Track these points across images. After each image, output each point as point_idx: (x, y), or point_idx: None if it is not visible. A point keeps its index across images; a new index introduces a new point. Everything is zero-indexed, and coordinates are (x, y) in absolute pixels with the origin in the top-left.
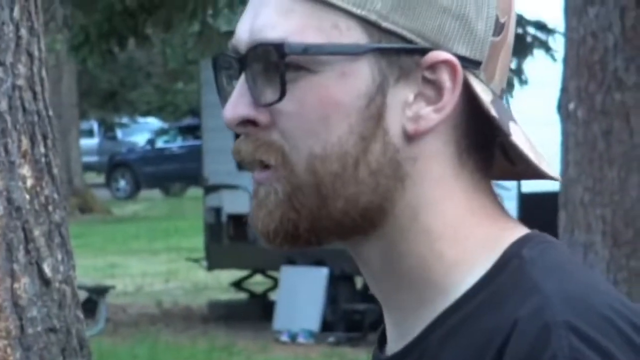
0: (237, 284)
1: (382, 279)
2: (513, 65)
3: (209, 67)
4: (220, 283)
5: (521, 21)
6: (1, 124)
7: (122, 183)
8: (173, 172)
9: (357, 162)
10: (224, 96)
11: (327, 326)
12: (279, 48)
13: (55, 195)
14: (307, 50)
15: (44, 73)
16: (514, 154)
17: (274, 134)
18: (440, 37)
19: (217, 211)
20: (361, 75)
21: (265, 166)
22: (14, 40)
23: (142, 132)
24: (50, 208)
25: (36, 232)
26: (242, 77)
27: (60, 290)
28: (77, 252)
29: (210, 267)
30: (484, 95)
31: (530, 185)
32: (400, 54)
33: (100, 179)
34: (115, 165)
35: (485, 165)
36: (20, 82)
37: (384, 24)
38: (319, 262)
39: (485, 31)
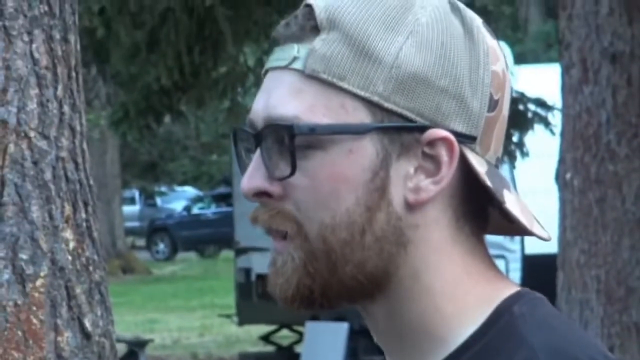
0: (266, 338)
1: (387, 332)
2: (515, 139)
3: None
4: (250, 337)
5: (523, 99)
6: (46, 192)
7: (161, 246)
8: (207, 236)
9: (363, 231)
10: (243, 167)
11: None
12: (289, 129)
13: (96, 257)
14: (314, 130)
15: (85, 146)
16: (509, 218)
17: (287, 205)
18: (438, 116)
19: (247, 271)
20: (366, 152)
21: (282, 236)
22: (57, 116)
23: (179, 200)
24: (90, 268)
25: (78, 290)
26: (258, 152)
27: (100, 343)
28: (120, 309)
29: (241, 323)
30: (480, 167)
31: (533, 247)
32: (401, 131)
33: (142, 242)
34: (155, 229)
35: (480, 230)
36: (64, 154)
37: (386, 105)
38: (340, 318)
39: (480, 108)
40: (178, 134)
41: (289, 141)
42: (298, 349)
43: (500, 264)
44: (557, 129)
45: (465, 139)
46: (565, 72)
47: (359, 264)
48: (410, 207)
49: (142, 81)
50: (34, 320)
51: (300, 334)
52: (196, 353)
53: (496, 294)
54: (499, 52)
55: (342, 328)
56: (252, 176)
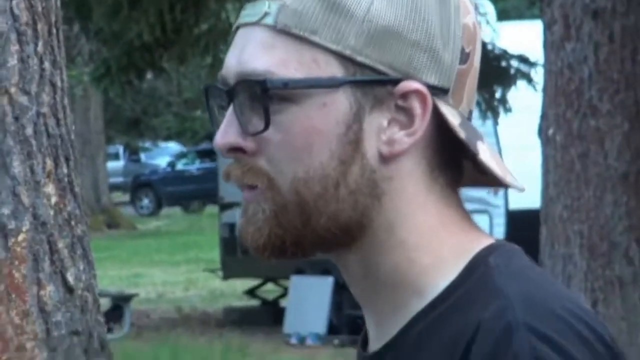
0: (251, 292)
1: (362, 285)
2: (498, 95)
3: None
4: (235, 291)
5: (506, 55)
6: (27, 147)
7: (145, 201)
8: (192, 192)
9: (337, 184)
10: (216, 124)
11: (332, 329)
12: (262, 83)
13: (77, 212)
14: (287, 85)
15: (66, 101)
16: (482, 169)
17: (260, 160)
18: (410, 69)
19: (232, 226)
20: (339, 105)
21: (253, 187)
22: (38, 72)
23: (163, 156)
24: (72, 223)
25: (60, 245)
26: (231, 108)
27: (83, 297)
28: (105, 264)
29: (226, 277)
30: (453, 118)
31: (517, 203)
32: (374, 85)
33: (126, 197)
34: (139, 185)
35: (454, 181)
36: (45, 109)
37: (358, 58)
38: (325, 272)
39: (452, 61)
40: (161, 89)
41: (262, 96)
42: (283, 303)
43: (484, 219)
44: (540, 85)
45: (438, 91)
46: (548, 28)
47: (332, 216)
48: (384, 159)
49: (124, 38)
50: (16, 275)
51: (285, 288)
52: (181, 307)
53: (471, 245)
54: (469, 5)
55: (327, 282)
56: (225, 132)
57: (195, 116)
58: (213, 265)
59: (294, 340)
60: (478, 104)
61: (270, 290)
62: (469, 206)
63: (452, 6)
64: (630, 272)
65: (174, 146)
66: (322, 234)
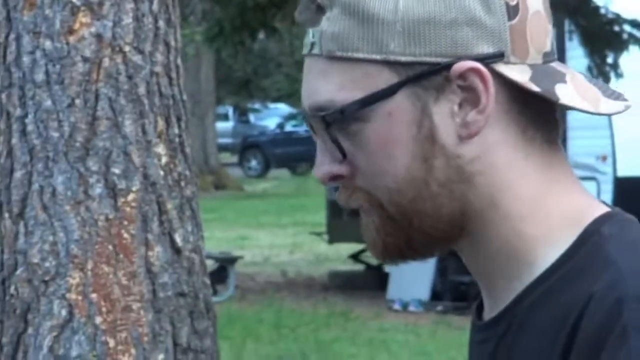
0: (355, 257)
1: (476, 261)
2: (610, 60)
3: None
4: (340, 255)
5: (618, 20)
6: (139, 106)
7: (253, 163)
8: (300, 154)
9: (426, 182)
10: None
11: (436, 296)
12: (322, 119)
13: (187, 172)
14: (347, 108)
15: (179, 61)
16: (570, 109)
17: (358, 181)
18: (457, 49)
19: (338, 189)
20: (403, 109)
21: (360, 209)
22: (152, 31)
23: (272, 117)
24: (182, 184)
25: (169, 206)
26: (318, 141)
27: (190, 258)
28: (211, 225)
29: (331, 241)
30: (520, 76)
31: (625, 170)
32: (428, 77)
33: (234, 158)
34: (247, 146)
35: (552, 133)
36: (158, 69)
37: (404, 59)
38: None
39: (498, 22)
40: (272, 50)
41: (327, 129)
42: (387, 268)
43: (591, 186)
44: None
45: (494, 57)
46: None
47: (433, 213)
48: (465, 141)
49: None
50: (125, 235)
51: None
52: (286, 270)
53: (582, 214)
54: None
55: None
56: (320, 163)
57: None
58: (319, 229)
59: (397, 306)
60: (589, 69)
61: None
62: (576, 173)
63: None
64: None
65: (283, 107)
66: (431, 232)
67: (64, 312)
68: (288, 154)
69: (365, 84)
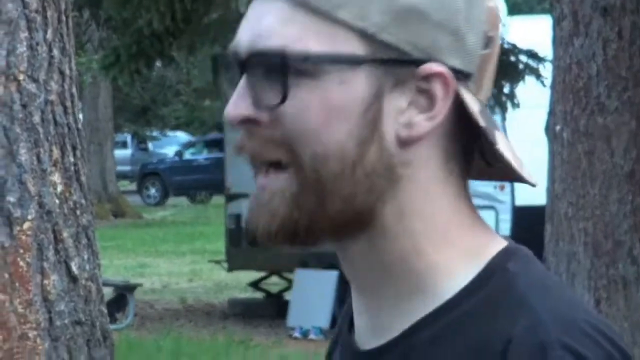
0: (255, 284)
1: (365, 276)
2: (507, 90)
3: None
4: (239, 283)
5: (515, 50)
6: (34, 135)
7: (152, 190)
8: (199, 182)
9: (354, 164)
10: (226, 97)
11: (336, 324)
12: (281, 56)
13: (83, 201)
14: (307, 59)
15: (74, 90)
16: (494, 159)
17: (277, 133)
18: (434, 50)
19: (238, 217)
20: (359, 83)
21: (271, 167)
22: (47, 60)
23: (171, 145)
24: (78, 212)
25: (65, 234)
26: (243, 80)
27: (87, 286)
28: (110, 253)
29: (231, 269)
30: (473, 105)
31: (523, 199)
32: (396, 64)
33: (133, 186)
34: (146, 174)
35: (466, 173)
36: (53, 97)
37: (382, 36)
38: (330, 266)
39: (475, 44)
40: (171, 78)
41: (281, 68)
42: (287, 296)
43: (490, 214)
44: (548, 80)
45: (461, 75)
46: (557, 24)
47: (348, 198)
48: (403, 143)
49: (134, 26)
50: (21, 263)
51: (290, 281)
52: (185, 298)
53: (485, 248)
54: None
55: (332, 276)
56: (238, 104)
57: (204, 106)
58: (218, 257)
59: (297, 334)
60: None
61: (274, 283)
62: (475, 201)
63: None
64: (634, 271)
65: (182, 135)
66: (335, 216)
67: None
68: (187, 181)
69: (328, 44)
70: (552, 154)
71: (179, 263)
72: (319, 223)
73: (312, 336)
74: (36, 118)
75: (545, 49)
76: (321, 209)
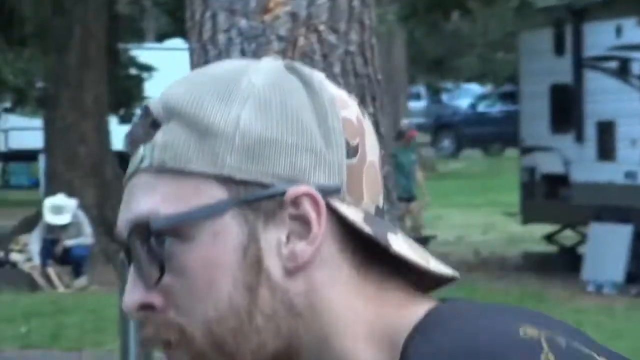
0: (549, 238)
1: None
2: None
3: (527, 38)
4: (533, 236)
5: None
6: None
7: (446, 142)
8: (492, 134)
9: (250, 313)
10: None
11: (630, 278)
12: (145, 225)
13: (381, 151)
14: (170, 220)
15: (373, 40)
16: (401, 260)
17: (170, 313)
18: (295, 173)
19: (532, 170)
20: (231, 230)
21: (168, 346)
22: (347, 10)
23: (465, 97)
24: None
25: None
26: (132, 265)
27: None
28: None
29: (525, 221)
30: (354, 216)
31: None
32: (261, 200)
33: (426, 138)
34: (440, 126)
35: (392, 272)
36: (352, 48)
37: (239, 176)
38: (624, 220)
39: (338, 156)
40: (466, 30)
41: (147, 238)
42: (581, 249)
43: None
44: None
45: (330, 190)
46: None
47: (257, 349)
48: (292, 274)
49: None
50: None
51: (584, 234)
52: (479, 250)
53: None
54: (347, 98)
55: (626, 230)
56: (131, 291)
57: (498, 58)
58: (511, 209)
59: (590, 288)
60: None
61: (568, 236)
62: None
63: (326, 102)
64: None
65: (475, 88)
66: None
67: None
68: (480, 134)
69: (191, 199)
70: None
71: (472, 215)
72: None
73: (606, 290)
74: (336, 69)
75: None
76: None
